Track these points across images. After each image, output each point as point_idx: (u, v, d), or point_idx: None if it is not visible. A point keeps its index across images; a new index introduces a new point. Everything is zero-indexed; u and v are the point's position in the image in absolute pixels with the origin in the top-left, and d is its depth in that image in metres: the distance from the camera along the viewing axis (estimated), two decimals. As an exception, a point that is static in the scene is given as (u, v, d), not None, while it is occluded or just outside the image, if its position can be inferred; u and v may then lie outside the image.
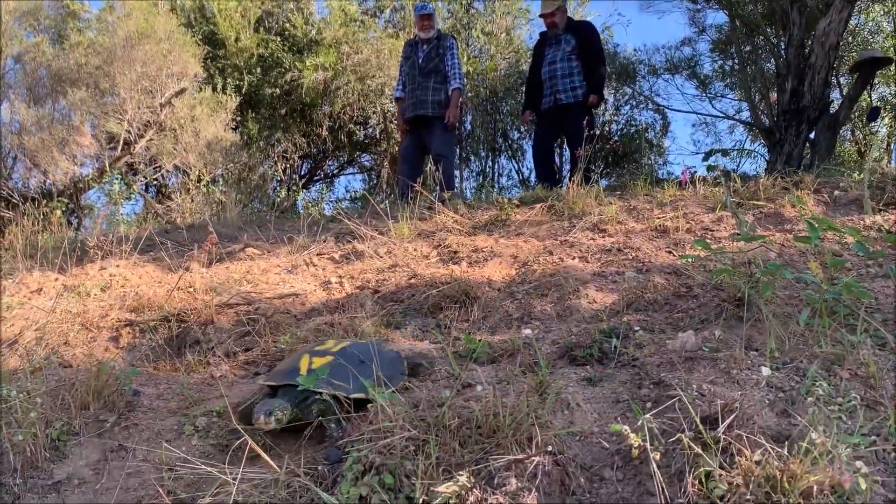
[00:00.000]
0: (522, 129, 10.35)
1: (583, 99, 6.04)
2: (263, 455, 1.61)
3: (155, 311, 3.16)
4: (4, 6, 7.94)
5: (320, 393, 1.93)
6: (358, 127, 11.01)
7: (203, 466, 1.66)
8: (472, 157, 11.43)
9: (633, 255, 3.53)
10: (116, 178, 8.06)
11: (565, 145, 6.81)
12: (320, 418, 1.92)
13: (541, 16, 6.39)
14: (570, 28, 6.23)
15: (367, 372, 2.01)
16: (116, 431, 2.05)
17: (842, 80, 9.48)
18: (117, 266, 3.91)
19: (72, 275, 3.80)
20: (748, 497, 1.40)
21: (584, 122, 5.65)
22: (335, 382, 1.95)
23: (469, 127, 11.13)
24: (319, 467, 1.69)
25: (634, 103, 10.54)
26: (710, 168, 7.24)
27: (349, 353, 2.13)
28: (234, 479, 1.61)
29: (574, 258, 3.60)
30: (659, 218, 4.09)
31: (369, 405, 1.83)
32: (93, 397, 2.13)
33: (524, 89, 6.92)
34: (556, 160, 6.45)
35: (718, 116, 10.09)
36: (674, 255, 3.47)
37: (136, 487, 1.88)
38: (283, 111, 10.00)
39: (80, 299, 3.38)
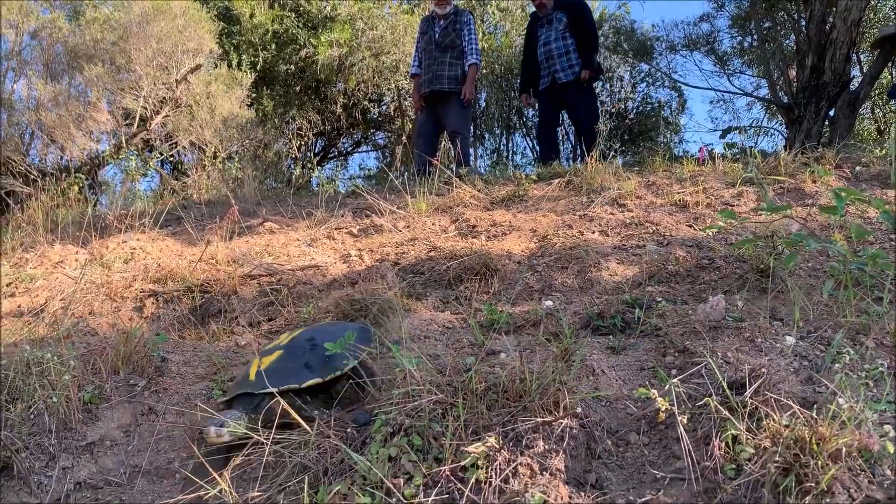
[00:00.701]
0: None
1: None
2: (295, 415, 1.63)
3: (178, 281, 3.20)
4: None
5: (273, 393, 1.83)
6: (372, 104, 11.00)
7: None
8: (487, 135, 11.40)
9: (654, 228, 3.53)
10: (133, 155, 8.10)
11: (569, 123, 6.75)
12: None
13: None
14: (559, 5, 6.15)
15: (322, 354, 1.93)
16: (146, 395, 2.09)
17: (862, 57, 9.37)
18: (138, 240, 3.94)
19: (93, 248, 3.84)
20: (777, 459, 1.42)
21: (588, 96, 5.65)
22: (282, 377, 1.87)
23: (484, 104, 11.09)
24: (349, 429, 1.72)
25: (651, 80, 10.47)
26: (728, 146, 7.20)
27: (299, 342, 2.03)
28: (266, 439, 1.63)
29: (594, 232, 3.60)
30: (678, 193, 4.08)
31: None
32: (122, 362, 2.17)
33: (520, 70, 6.86)
34: (559, 138, 6.40)
35: (736, 93, 10.02)
36: (694, 229, 3.46)
37: (166, 450, 1.92)
38: (297, 88, 9.99)
39: (104, 271, 3.41)
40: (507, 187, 4.79)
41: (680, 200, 3.95)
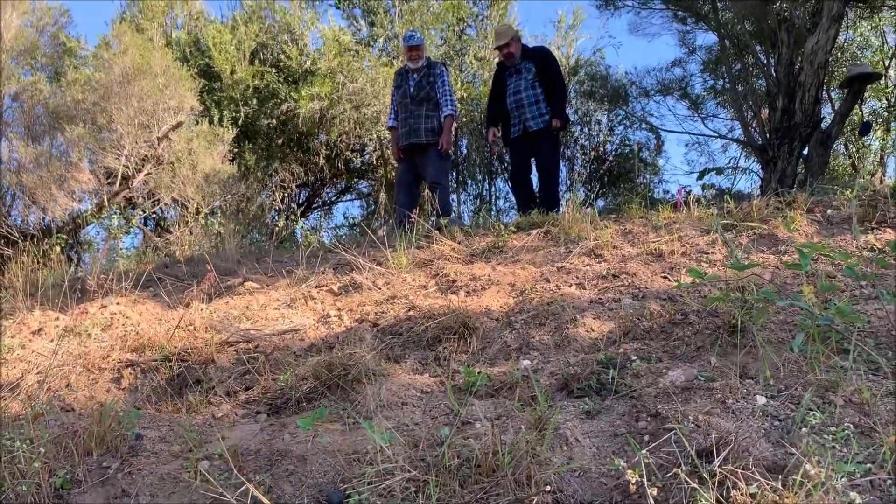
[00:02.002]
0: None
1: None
2: (265, 500, 1.63)
3: (156, 350, 3.19)
4: (2, 40, 8.04)
5: None
6: (355, 154, 11.11)
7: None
8: (469, 181, 11.50)
9: (630, 280, 3.56)
10: (115, 213, 8.12)
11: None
12: None
13: (495, 48, 6.46)
14: (526, 56, 6.28)
15: None
16: (119, 478, 2.07)
17: (833, 94, 9.58)
18: (117, 304, 3.93)
19: (72, 314, 3.82)
20: (745, 532, 1.42)
21: (556, 142, 5.88)
22: None
23: (465, 151, 11.22)
24: (322, 511, 1.71)
25: (628, 123, 10.65)
26: (704, 187, 7.31)
27: None
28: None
29: (571, 285, 3.63)
30: (654, 242, 4.13)
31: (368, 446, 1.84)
32: (95, 443, 2.15)
33: (486, 110, 6.98)
34: (534, 185, 6.51)
35: (711, 136, 10.20)
36: (669, 281, 3.50)
37: (140, 534, 1.89)
38: (279, 141, 10.08)
39: (81, 340, 3.40)
40: (487, 238, 4.83)
41: (655, 249, 4.00)
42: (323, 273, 4.42)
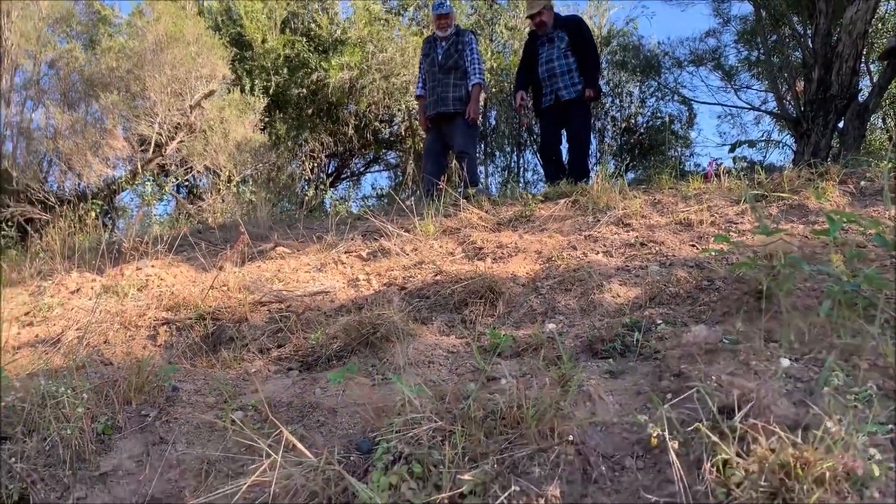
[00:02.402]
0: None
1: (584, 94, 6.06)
2: (299, 445, 1.69)
3: (190, 309, 3.28)
4: (39, 8, 8.15)
5: None
6: (383, 125, 11.13)
7: (242, 456, 1.75)
8: (497, 153, 11.47)
9: (657, 249, 3.57)
10: (148, 180, 8.26)
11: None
12: None
13: (527, 17, 6.39)
14: (558, 24, 6.21)
15: None
16: (157, 426, 2.16)
17: (872, 66, 9.36)
18: (152, 266, 4.03)
19: (109, 275, 3.93)
20: (763, 483, 1.45)
21: (587, 113, 5.85)
22: None
23: (493, 122, 11.17)
24: (352, 457, 1.77)
25: (660, 95, 10.51)
26: (736, 160, 7.22)
27: None
28: (272, 467, 1.69)
29: (598, 253, 3.65)
30: (683, 211, 4.12)
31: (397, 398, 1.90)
32: (134, 393, 2.24)
33: (516, 75, 6.88)
34: (564, 155, 6.49)
35: (744, 108, 10.03)
36: (697, 249, 3.50)
37: (177, 479, 1.98)
38: (309, 111, 10.13)
39: (119, 299, 3.50)
40: (515, 207, 4.85)
41: (684, 219, 3.99)
42: (352, 239, 4.48)
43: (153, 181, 8.33)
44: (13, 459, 1.93)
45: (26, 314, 3.53)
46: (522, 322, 2.94)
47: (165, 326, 3.20)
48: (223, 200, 7.78)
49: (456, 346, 2.68)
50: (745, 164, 7.72)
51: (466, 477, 1.61)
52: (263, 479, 1.68)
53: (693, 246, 3.56)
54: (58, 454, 1.96)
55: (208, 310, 3.25)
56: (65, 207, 6.74)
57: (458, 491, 1.60)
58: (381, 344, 2.65)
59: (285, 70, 9.59)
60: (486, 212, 4.78)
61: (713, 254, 2.94)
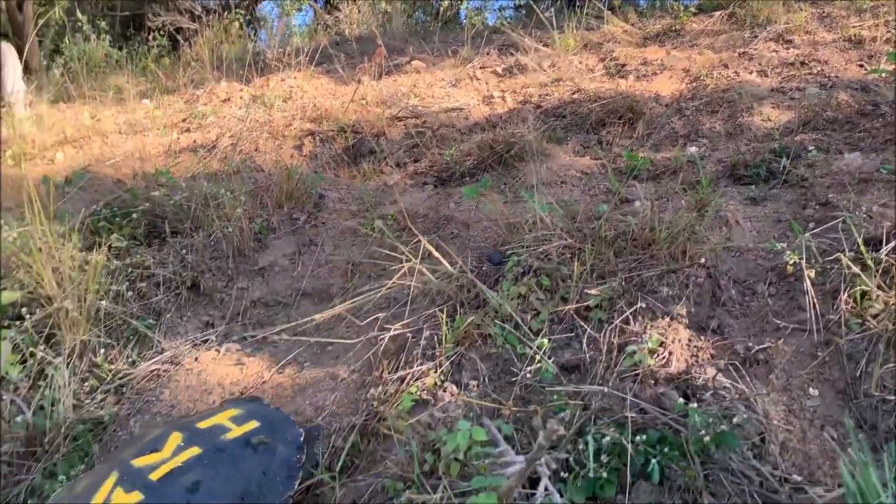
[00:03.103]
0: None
1: None
2: (436, 254, 1.80)
3: (332, 122, 3.40)
4: None
5: None
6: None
7: (383, 262, 1.89)
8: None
9: (819, 69, 3.28)
10: (288, -10, 8.26)
11: None
12: None
13: None
14: None
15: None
16: (307, 229, 2.34)
17: None
18: (295, 78, 4.16)
19: (256, 85, 4.11)
20: (901, 318, 1.43)
21: None
22: None
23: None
24: (484, 267, 1.87)
25: None
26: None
27: (181, 481, 1.33)
28: (410, 272, 1.82)
29: (752, 72, 3.40)
30: (855, 27, 3.70)
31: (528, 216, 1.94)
32: (285, 198, 2.42)
33: None
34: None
35: None
36: (865, 70, 3.18)
37: (325, 276, 2.18)
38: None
39: (266, 109, 3.68)
40: (663, 20, 4.54)
41: (855, 35, 3.60)
42: (487, 54, 4.39)
43: (292, -9, 8.33)
44: (185, 251, 2.18)
45: (183, 121, 3.79)
46: (662, 144, 2.86)
47: (310, 137, 3.35)
48: (359, 11, 7.71)
49: (590, 167, 2.66)
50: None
51: (593, 291, 1.68)
52: (403, 282, 1.82)
53: (861, 66, 3.24)
54: (221, 249, 2.19)
55: (349, 122, 3.36)
56: (210, 17, 6.93)
57: (585, 304, 1.68)
58: (514, 162, 2.68)
59: None
60: (632, 25, 4.51)
61: (883, 74, 2.67)
